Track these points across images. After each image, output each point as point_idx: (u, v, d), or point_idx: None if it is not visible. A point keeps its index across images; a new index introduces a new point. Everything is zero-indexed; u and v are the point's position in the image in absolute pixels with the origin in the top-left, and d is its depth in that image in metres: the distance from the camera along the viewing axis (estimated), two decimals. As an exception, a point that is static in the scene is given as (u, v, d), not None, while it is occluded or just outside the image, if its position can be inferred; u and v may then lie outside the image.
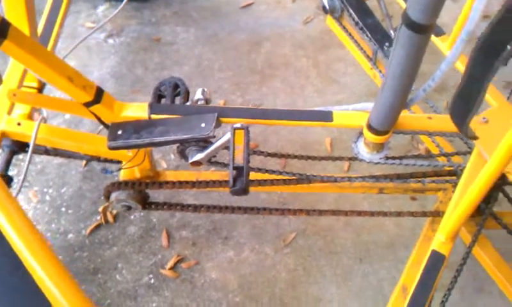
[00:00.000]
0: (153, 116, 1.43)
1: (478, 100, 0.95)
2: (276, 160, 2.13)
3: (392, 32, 1.70)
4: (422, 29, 0.99)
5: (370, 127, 1.34)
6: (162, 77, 2.06)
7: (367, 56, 1.80)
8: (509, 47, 0.72)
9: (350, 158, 1.53)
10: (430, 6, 0.95)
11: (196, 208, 1.73)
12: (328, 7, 1.71)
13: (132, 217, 2.00)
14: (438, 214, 1.63)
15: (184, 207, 1.75)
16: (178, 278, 1.88)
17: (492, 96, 1.47)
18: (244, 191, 1.26)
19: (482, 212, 1.57)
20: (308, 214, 1.70)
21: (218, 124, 1.37)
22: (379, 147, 1.42)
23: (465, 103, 1.00)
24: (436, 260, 1.28)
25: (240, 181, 1.24)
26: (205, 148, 1.41)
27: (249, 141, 1.30)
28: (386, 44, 1.63)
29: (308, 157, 1.60)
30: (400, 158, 1.52)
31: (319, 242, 2.01)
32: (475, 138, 1.26)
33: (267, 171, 1.53)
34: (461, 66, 1.58)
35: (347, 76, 2.46)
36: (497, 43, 0.79)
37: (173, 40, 2.57)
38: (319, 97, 2.35)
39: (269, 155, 1.62)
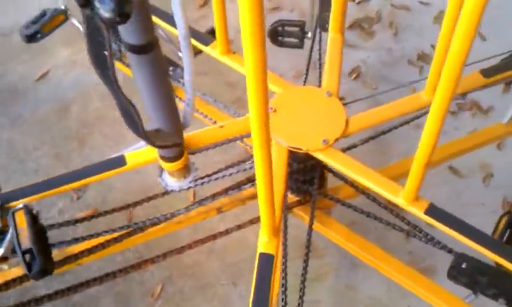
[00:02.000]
0: None
1: (133, 110, 0.93)
2: (123, 217, 2.03)
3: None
4: (143, 49, 0.97)
5: (162, 157, 1.30)
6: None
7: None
8: (106, 52, 0.69)
9: (164, 194, 1.47)
10: (138, 26, 0.93)
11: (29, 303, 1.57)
12: (104, 52, 1.66)
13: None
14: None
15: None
16: None
17: (276, 84, 1.50)
18: (44, 272, 1.15)
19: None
20: (153, 262, 1.61)
21: (4, 212, 1.26)
22: (185, 171, 1.38)
23: (127, 115, 0.98)
24: (265, 262, 1.26)
25: (36, 264, 1.13)
26: (2, 240, 1.28)
27: (35, 218, 1.19)
28: (171, 68, 1.61)
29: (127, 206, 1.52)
30: (215, 173, 1.49)
31: (188, 281, 1.93)
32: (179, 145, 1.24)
33: (80, 239, 1.43)
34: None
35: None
36: (97, 53, 0.76)
37: (-23, 135, 2.39)
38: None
39: (100, 215, 1.53)
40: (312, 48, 1.70)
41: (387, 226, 2.03)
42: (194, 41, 1.59)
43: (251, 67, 0.78)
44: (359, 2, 2.75)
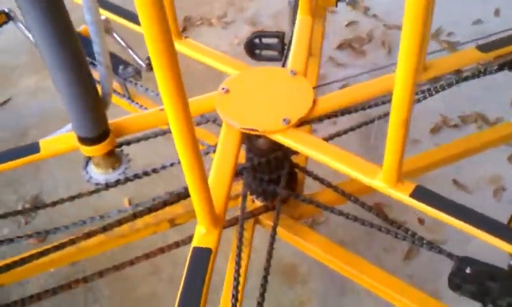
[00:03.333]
0: None
1: None
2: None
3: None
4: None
5: (81, 139, 1.06)
6: None
7: (119, 94, 1.55)
8: None
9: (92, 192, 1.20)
10: None
11: None
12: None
13: None
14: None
15: None
16: None
17: (232, 66, 1.28)
18: None
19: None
20: (86, 281, 1.30)
21: None
22: (113, 161, 1.13)
23: None
24: (199, 257, 0.98)
25: None
26: None
27: None
28: (121, 67, 1.40)
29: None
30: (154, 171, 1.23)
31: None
32: None
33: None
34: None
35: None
36: None
37: None
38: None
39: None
40: (287, 47, 1.50)
41: (381, 248, 1.73)
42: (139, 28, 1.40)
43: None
44: (348, 24, 2.60)
